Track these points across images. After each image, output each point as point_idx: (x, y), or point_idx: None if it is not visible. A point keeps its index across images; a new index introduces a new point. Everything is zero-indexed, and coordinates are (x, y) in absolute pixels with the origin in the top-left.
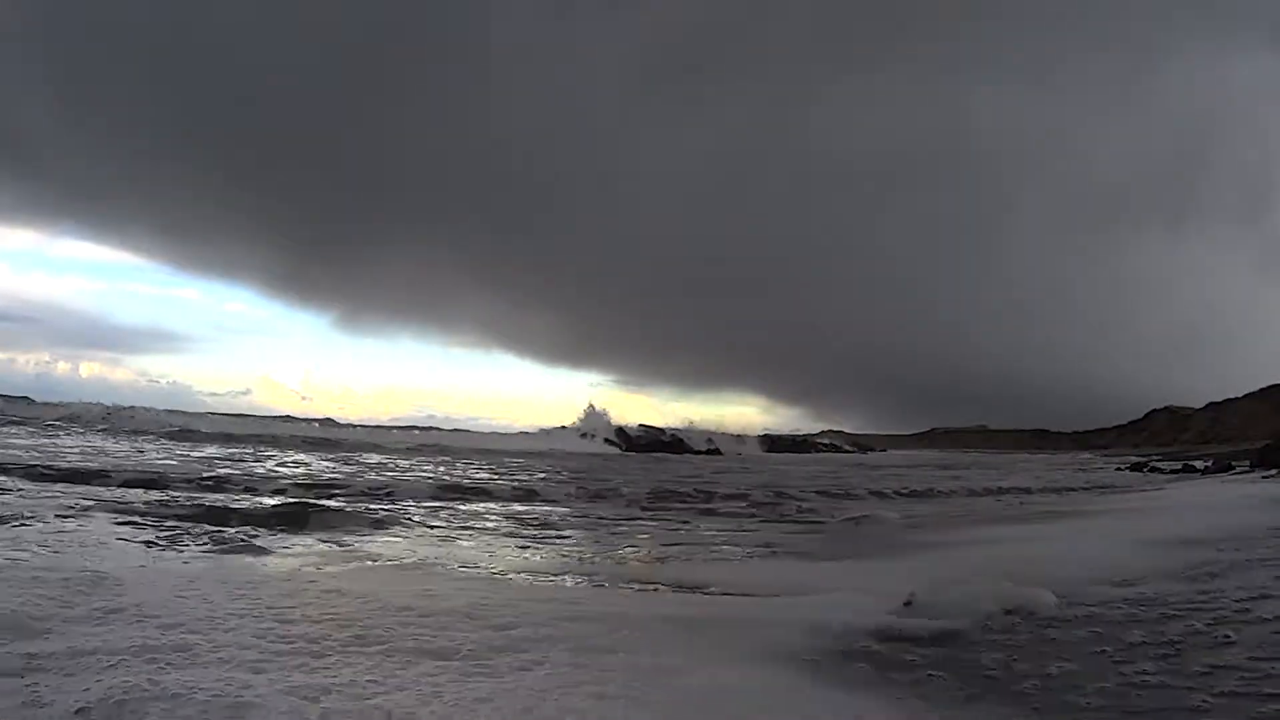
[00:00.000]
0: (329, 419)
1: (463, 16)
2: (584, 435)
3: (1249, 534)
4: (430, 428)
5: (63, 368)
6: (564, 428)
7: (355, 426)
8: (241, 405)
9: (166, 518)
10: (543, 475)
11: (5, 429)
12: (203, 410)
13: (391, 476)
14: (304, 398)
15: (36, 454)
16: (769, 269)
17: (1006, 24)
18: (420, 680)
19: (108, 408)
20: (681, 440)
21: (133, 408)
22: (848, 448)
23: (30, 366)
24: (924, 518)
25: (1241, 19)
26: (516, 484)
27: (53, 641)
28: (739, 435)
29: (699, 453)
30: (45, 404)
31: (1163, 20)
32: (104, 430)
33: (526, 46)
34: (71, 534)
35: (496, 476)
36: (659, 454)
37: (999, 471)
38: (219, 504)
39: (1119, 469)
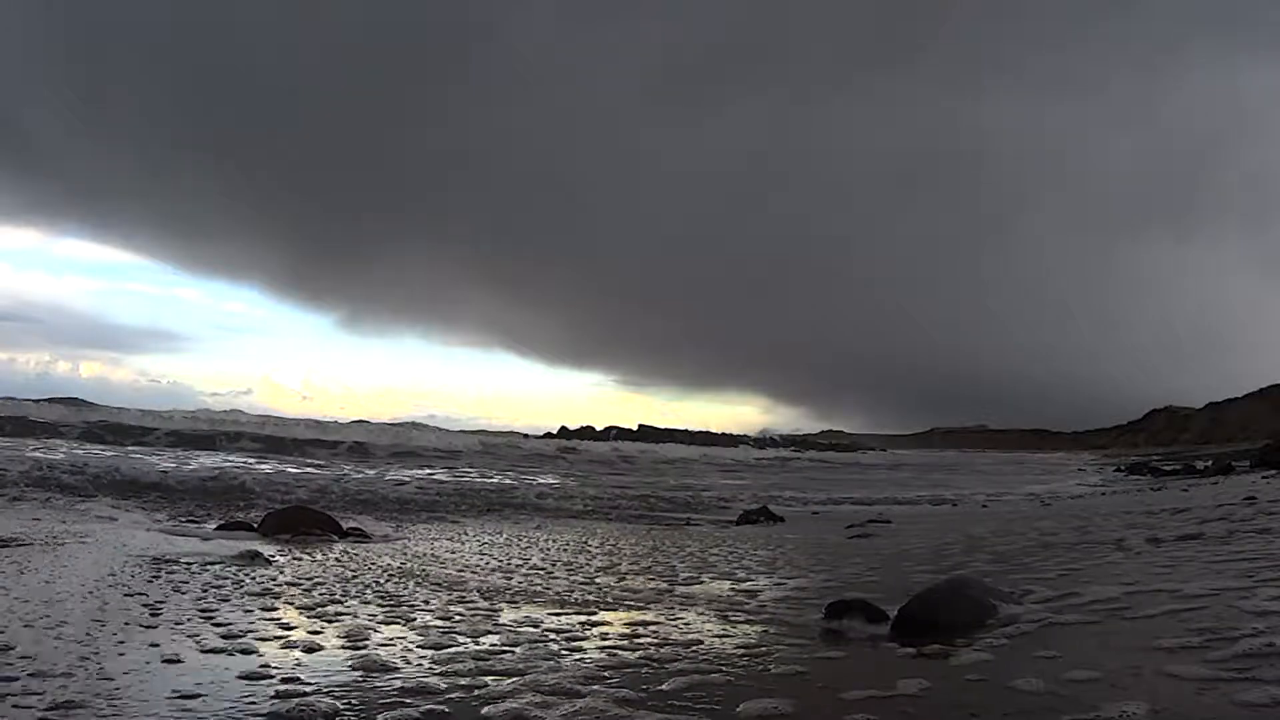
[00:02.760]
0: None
1: (464, 21)
2: None
3: None
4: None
5: (63, 367)
6: None
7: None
8: (242, 405)
9: None
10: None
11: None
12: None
13: None
14: (305, 397)
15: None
16: (770, 269)
17: (1012, 31)
18: None
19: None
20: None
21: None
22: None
23: (30, 366)
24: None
25: (1249, 28)
26: None
27: None
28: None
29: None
30: (103, 406)
31: (1172, 29)
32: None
33: (530, 50)
34: None
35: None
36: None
37: (946, 474)
38: None
39: (1117, 470)
